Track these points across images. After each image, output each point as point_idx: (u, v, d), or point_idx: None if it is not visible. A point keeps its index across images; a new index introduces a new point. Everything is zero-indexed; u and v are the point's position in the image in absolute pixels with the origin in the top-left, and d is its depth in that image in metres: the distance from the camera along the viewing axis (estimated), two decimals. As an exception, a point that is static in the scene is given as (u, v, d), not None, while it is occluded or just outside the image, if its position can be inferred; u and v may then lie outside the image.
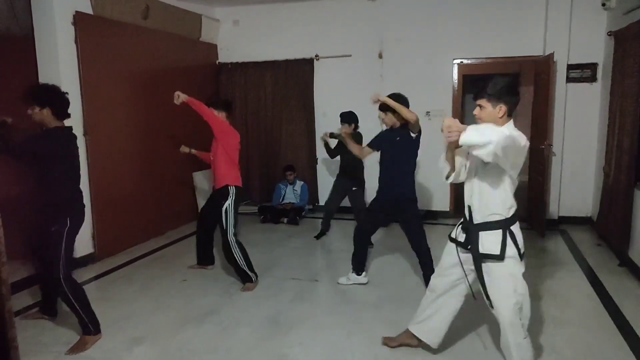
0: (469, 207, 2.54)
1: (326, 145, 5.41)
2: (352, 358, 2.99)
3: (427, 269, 3.82)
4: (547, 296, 3.89)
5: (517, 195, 2.52)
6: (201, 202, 6.63)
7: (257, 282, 4.19)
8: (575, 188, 6.06)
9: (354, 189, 5.35)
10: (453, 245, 2.68)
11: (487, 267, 2.49)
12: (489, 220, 2.46)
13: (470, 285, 2.69)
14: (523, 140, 2.29)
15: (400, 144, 3.78)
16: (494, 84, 2.34)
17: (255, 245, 4.37)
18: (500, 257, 2.42)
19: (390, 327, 3.36)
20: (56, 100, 3.09)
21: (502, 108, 2.34)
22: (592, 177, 6.00)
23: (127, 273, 4.64)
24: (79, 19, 4.57)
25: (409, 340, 3.03)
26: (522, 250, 2.47)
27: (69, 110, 3.20)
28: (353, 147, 4.08)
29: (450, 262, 2.71)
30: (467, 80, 6.48)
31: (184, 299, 3.97)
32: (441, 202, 6.51)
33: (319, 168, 6.95)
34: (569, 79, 5.88)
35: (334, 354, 3.04)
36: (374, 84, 6.51)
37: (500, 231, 2.43)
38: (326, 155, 5.68)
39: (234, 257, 4.07)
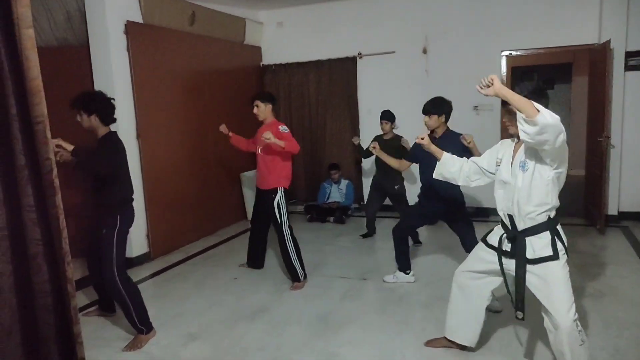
0: (510, 216, 2.50)
1: (359, 146, 5.50)
2: (403, 358, 2.96)
3: None
4: (610, 296, 3.70)
5: (574, 190, 2.43)
6: (249, 202, 6.75)
7: (305, 281, 4.22)
8: (637, 181, 5.73)
9: (396, 187, 5.30)
10: (489, 250, 2.65)
11: (540, 272, 2.43)
12: (535, 224, 2.43)
13: (511, 293, 2.63)
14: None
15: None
16: (521, 88, 2.39)
17: (304, 244, 4.40)
18: (555, 257, 2.39)
19: (441, 326, 3.28)
20: (102, 106, 3.17)
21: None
22: (655, 170, 5.66)
23: (181, 271, 4.78)
24: (130, 27, 4.75)
25: (451, 344, 2.99)
26: (566, 250, 2.47)
27: (115, 115, 3.29)
28: (390, 161, 3.97)
29: (485, 267, 2.69)
30: (517, 72, 6.27)
31: (235, 296, 4.05)
32: (492, 199, 6.30)
33: (364, 166, 6.91)
34: (627, 67, 5.57)
35: (384, 354, 3.01)
36: (419, 80, 6.42)
37: (548, 232, 2.42)
38: (372, 154, 5.63)
39: (287, 251, 4.12)
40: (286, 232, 4.12)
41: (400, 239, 4.07)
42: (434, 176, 2.98)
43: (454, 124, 3.85)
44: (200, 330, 3.44)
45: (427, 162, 3.79)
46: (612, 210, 5.74)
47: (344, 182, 6.72)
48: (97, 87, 4.64)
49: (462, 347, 2.95)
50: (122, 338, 3.32)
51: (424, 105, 3.76)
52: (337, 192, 6.70)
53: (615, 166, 5.66)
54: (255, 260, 4.68)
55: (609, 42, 5.21)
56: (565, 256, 2.44)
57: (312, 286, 4.18)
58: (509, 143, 2.60)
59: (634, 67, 5.57)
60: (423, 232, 5.51)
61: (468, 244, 3.79)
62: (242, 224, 6.52)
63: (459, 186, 3.75)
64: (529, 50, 5.99)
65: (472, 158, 2.85)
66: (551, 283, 2.41)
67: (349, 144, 6.91)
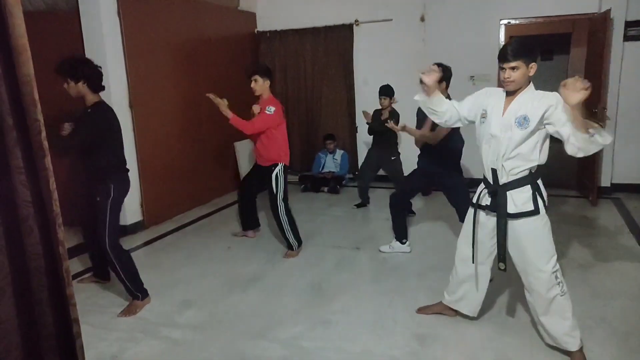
0: (494, 170, 2.51)
1: (374, 121, 5.32)
2: (395, 325, 3.01)
3: None
4: (599, 267, 3.76)
5: (568, 162, 2.44)
6: (244, 171, 6.73)
7: (299, 250, 4.25)
8: (631, 153, 5.75)
9: (392, 158, 5.29)
10: (478, 212, 2.65)
11: (519, 226, 2.46)
12: (517, 178, 2.45)
13: (475, 247, 2.70)
14: None
15: None
16: (522, 44, 2.34)
17: (297, 214, 4.42)
18: (536, 212, 2.42)
19: (434, 295, 3.34)
20: (90, 72, 3.08)
21: (533, 66, 2.35)
22: (650, 142, 5.67)
23: (175, 240, 4.79)
24: (120, -9, 4.62)
25: (445, 312, 3.03)
26: (546, 204, 2.48)
27: (104, 83, 3.24)
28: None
29: (480, 231, 2.68)
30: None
31: (229, 265, 4.07)
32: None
33: (359, 137, 6.88)
34: (626, 37, 5.51)
35: (377, 321, 3.06)
36: (416, 49, 6.33)
37: (529, 186, 2.44)
38: (367, 125, 5.59)
39: (281, 223, 4.14)
40: (280, 204, 4.11)
41: (396, 207, 4.07)
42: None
43: (453, 92, 3.78)
44: (194, 297, 3.47)
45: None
46: (605, 182, 5.78)
47: (339, 153, 6.70)
48: (87, 53, 4.53)
49: (454, 313, 3.00)
50: (117, 304, 3.35)
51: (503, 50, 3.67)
52: (332, 162, 6.69)
53: (610, 138, 5.66)
54: (251, 222, 4.70)
55: (609, 11, 5.13)
56: (544, 210, 2.45)
57: (305, 256, 4.22)
58: (497, 93, 2.55)
59: (633, 37, 5.51)
60: (417, 203, 5.53)
61: (462, 214, 3.80)
62: (236, 194, 6.50)
63: (458, 150, 3.74)
64: (528, 19, 5.90)
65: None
66: (530, 237, 2.45)
67: (345, 115, 6.86)
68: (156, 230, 5.03)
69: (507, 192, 2.46)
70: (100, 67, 3.18)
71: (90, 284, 3.72)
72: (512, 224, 2.48)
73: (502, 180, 2.47)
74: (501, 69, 2.40)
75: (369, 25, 6.52)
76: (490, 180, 2.55)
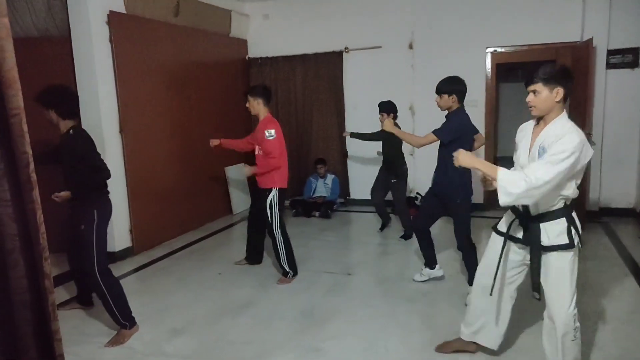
0: (532, 206, 2.35)
1: (353, 136, 5.51)
2: (387, 352, 2.97)
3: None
4: (590, 291, 3.76)
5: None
6: (234, 196, 6.71)
7: (293, 279, 4.21)
8: (617, 178, 5.83)
9: (392, 181, 5.29)
10: (499, 238, 2.54)
11: (552, 260, 2.34)
12: (550, 210, 2.33)
13: (494, 280, 2.56)
14: (580, 145, 2.17)
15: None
16: (545, 67, 2.28)
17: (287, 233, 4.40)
18: (570, 246, 2.29)
19: (425, 320, 3.33)
20: (58, 100, 3.12)
21: (559, 91, 2.24)
22: (635, 166, 5.76)
23: (165, 266, 4.74)
24: (112, 18, 4.67)
25: (466, 347, 2.87)
26: (580, 239, 2.36)
27: (78, 108, 3.32)
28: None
29: (503, 262, 2.54)
30: (501, 69, 6.31)
31: (220, 291, 4.03)
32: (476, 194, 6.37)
33: (350, 161, 6.92)
34: (609, 65, 5.65)
35: (368, 348, 3.03)
36: (405, 75, 6.44)
37: (564, 219, 2.32)
38: (357, 149, 5.66)
39: (278, 251, 4.13)
40: (277, 232, 4.09)
41: (420, 232, 3.92)
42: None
43: (440, 120, 3.81)
44: (184, 325, 3.42)
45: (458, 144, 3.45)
46: (593, 206, 5.84)
47: (330, 177, 6.72)
48: (78, 79, 4.56)
49: (475, 348, 2.85)
50: (104, 333, 3.28)
51: (437, 84, 3.66)
52: (323, 187, 6.70)
53: (596, 163, 5.75)
54: (253, 255, 4.61)
55: (591, 39, 5.27)
56: (577, 250, 2.34)
57: (298, 281, 4.18)
58: (528, 126, 2.46)
59: (615, 65, 5.65)
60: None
61: (460, 244, 3.71)
62: (227, 218, 6.49)
63: (469, 175, 3.57)
64: (513, 47, 6.04)
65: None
66: (561, 273, 2.33)
67: (335, 139, 6.90)
68: (146, 256, 4.97)
69: (541, 224, 2.35)
70: (74, 93, 3.24)
71: (76, 311, 3.65)
72: (546, 257, 2.36)
73: (533, 211, 2.36)
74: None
75: (358, 52, 6.63)
76: (521, 210, 2.43)
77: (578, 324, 2.38)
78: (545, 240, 2.34)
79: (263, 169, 4.04)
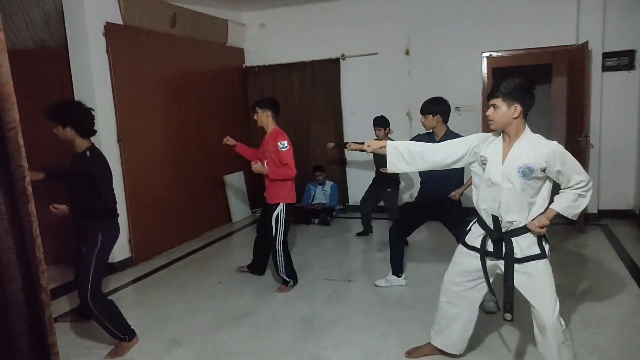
0: (495, 217, 2.42)
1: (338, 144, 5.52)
2: (388, 358, 2.96)
3: None
4: (589, 294, 3.76)
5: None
6: (233, 205, 6.71)
7: (293, 287, 4.20)
8: (616, 180, 5.84)
9: (388, 190, 5.31)
10: (471, 252, 2.58)
11: (527, 270, 2.40)
12: (521, 226, 2.38)
13: (495, 296, 2.66)
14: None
15: None
16: (507, 82, 2.32)
17: (288, 246, 4.40)
18: (542, 255, 2.38)
19: (425, 327, 3.31)
20: (78, 117, 2.99)
21: (517, 108, 2.30)
22: (633, 168, 5.77)
23: (164, 276, 4.72)
24: (109, 29, 4.69)
25: (436, 352, 2.91)
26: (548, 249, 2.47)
27: (96, 127, 3.14)
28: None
29: (467, 268, 2.62)
30: (498, 73, 6.33)
31: (219, 301, 4.01)
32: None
33: (348, 168, 6.92)
34: (604, 68, 5.68)
35: (369, 355, 3.01)
36: (402, 81, 6.46)
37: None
38: (355, 155, 5.65)
39: (277, 263, 4.11)
40: (278, 247, 4.06)
41: (394, 241, 4.01)
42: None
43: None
44: (183, 335, 3.40)
45: None
46: (592, 208, 5.84)
47: (329, 184, 6.72)
48: (76, 90, 4.57)
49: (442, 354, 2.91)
50: (104, 346, 3.25)
51: (422, 105, 3.73)
52: (321, 194, 6.70)
53: (594, 165, 5.76)
54: (256, 266, 4.55)
55: (586, 43, 5.30)
56: (549, 258, 2.43)
57: (297, 289, 4.17)
58: (493, 140, 2.46)
59: (611, 68, 5.68)
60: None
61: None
62: (226, 227, 6.48)
63: (454, 182, 3.72)
64: (509, 51, 6.07)
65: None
66: (538, 281, 2.38)
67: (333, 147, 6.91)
68: (145, 267, 4.96)
69: (513, 239, 2.40)
70: (92, 110, 3.08)
71: (77, 323, 3.62)
72: (521, 268, 2.40)
73: (505, 227, 2.41)
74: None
75: (355, 59, 6.65)
76: (491, 226, 2.46)
77: (564, 325, 2.42)
78: (518, 253, 2.40)
79: (275, 175, 3.98)
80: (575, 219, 2.40)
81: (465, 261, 2.64)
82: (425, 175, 3.81)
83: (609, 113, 5.74)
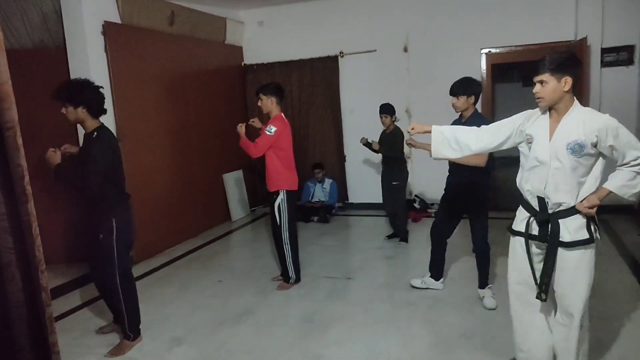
0: (540, 198, 2.28)
1: (367, 146, 5.29)
2: (389, 357, 2.96)
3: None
4: (590, 290, 3.75)
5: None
6: (232, 203, 6.70)
7: (293, 284, 4.20)
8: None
9: (394, 183, 5.26)
10: (517, 239, 2.42)
11: (571, 257, 2.26)
12: (570, 207, 2.23)
13: (539, 287, 2.39)
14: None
15: None
16: (553, 57, 2.17)
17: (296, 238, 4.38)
18: (591, 240, 2.23)
19: (426, 325, 3.32)
20: (90, 97, 2.91)
21: (567, 80, 2.15)
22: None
23: (165, 274, 4.72)
24: (108, 28, 4.67)
25: None
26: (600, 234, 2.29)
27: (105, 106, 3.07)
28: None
29: (523, 262, 2.41)
30: (496, 69, 6.33)
31: (220, 299, 4.01)
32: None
33: (347, 165, 6.92)
34: (603, 64, 5.67)
35: (370, 353, 3.01)
36: (401, 78, 6.46)
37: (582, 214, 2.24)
38: (355, 153, 5.63)
39: (284, 253, 4.09)
40: (284, 235, 4.05)
41: (436, 246, 3.81)
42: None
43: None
44: (185, 334, 3.40)
45: None
46: (592, 204, 5.83)
47: (328, 181, 6.72)
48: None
49: None
50: (105, 345, 3.26)
51: (451, 86, 3.54)
52: (321, 191, 6.69)
53: (594, 161, 5.75)
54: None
55: (585, 38, 5.29)
56: (598, 240, 2.27)
57: (298, 286, 4.17)
58: (539, 116, 2.32)
59: (610, 63, 5.67)
60: (413, 228, 5.50)
61: (478, 239, 3.62)
62: (226, 226, 6.48)
63: (487, 174, 3.48)
64: (508, 47, 6.06)
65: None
66: (580, 269, 2.26)
67: (333, 143, 6.91)
68: (146, 265, 4.96)
69: (560, 220, 2.25)
70: (102, 88, 3.02)
71: (76, 322, 3.62)
72: (562, 255, 2.27)
73: (552, 209, 2.27)
74: (533, 84, 2.25)
75: (353, 56, 6.64)
76: (537, 208, 2.32)
77: (587, 323, 2.36)
78: (566, 237, 2.24)
79: (242, 143, 3.97)
80: (633, 199, 2.22)
81: (518, 253, 2.45)
82: (454, 165, 3.54)
83: (608, 108, 5.67)
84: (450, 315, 3.46)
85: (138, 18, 5.10)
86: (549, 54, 2.21)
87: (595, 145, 2.14)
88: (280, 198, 4.03)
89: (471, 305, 3.59)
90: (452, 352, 2.95)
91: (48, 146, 3.02)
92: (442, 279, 3.92)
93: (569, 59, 2.18)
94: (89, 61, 4.53)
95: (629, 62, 5.63)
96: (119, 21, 4.86)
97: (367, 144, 5.27)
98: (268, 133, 3.92)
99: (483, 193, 3.54)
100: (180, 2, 5.71)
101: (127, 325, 3.15)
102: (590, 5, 5.60)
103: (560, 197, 2.23)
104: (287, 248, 4.08)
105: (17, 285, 1.18)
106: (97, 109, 2.98)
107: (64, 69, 4.58)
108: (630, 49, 5.59)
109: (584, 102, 5.29)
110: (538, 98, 2.24)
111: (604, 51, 5.64)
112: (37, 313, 1.20)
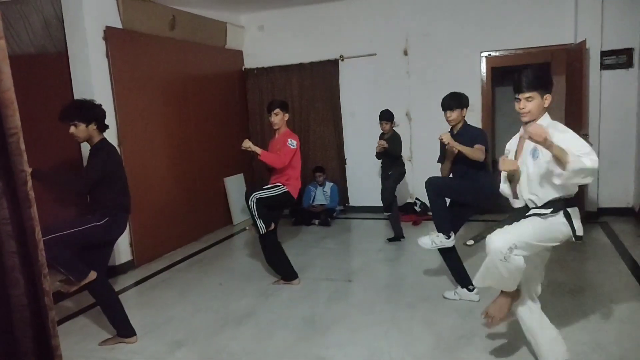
0: (528, 201, 2.43)
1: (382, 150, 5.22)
2: (390, 358, 2.97)
3: None
4: (590, 291, 3.77)
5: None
6: (234, 207, 6.72)
7: (291, 282, 4.27)
8: (615, 178, 5.85)
9: (389, 172, 5.30)
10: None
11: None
12: (548, 201, 2.36)
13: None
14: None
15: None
16: (537, 74, 2.32)
17: (289, 247, 4.42)
18: (556, 211, 2.34)
19: (427, 326, 3.33)
20: (100, 113, 3.18)
21: (547, 97, 2.34)
22: (632, 166, 5.78)
23: (166, 278, 4.74)
24: (109, 33, 4.71)
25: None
26: (577, 233, 2.38)
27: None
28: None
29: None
30: (496, 73, 6.35)
31: (221, 301, 4.03)
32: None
33: (348, 169, 6.93)
34: (603, 66, 5.68)
35: (371, 355, 3.02)
36: (401, 82, 6.48)
37: (561, 212, 2.37)
38: (356, 156, 5.65)
39: (251, 209, 4.04)
40: (252, 198, 4.01)
41: (445, 254, 3.75)
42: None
43: (436, 126, 3.86)
44: (186, 337, 3.42)
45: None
46: (592, 207, 5.85)
47: (329, 185, 6.73)
48: (76, 94, 4.58)
49: None
50: (107, 348, 3.28)
51: (444, 101, 3.62)
52: (322, 195, 6.71)
53: (594, 163, 5.75)
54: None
55: (584, 41, 5.31)
56: (574, 238, 2.38)
57: (298, 289, 4.19)
58: (513, 139, 2.56)
59: (609, 66, 5.68)
60: (408, 230, 5.52)
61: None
62: (227, 229, 6.49)
63: (490, 174, 3.60)
64: (507, 50, 6.08)
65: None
66: (525, 221, 2.37)
67: (333, 147, 6.93)
68: (147, 269, 4.98)
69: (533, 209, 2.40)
70: (101, 105, 3.25)
71: (78, 326, 3.63)
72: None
73: (529, 204, 2.44)
74: (516, 99, 2.37)
75: (354, 60, 6.67)
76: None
77: (508, 255, 2.27)
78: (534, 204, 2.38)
79: (264, 157, 4.00)
80: (569, 170, 2.10)
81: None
82: (457, 167, 3.62)
83: (608, 111, 5.75)
84: (451, 317, 3.47)
85: (139, 23, 5.13)
86: (526, 70, 2.33)
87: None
88: (276, 189, 4.09)
89: (472, 306, 3.59)
90: (452, 354, 2.96)
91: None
92: (475, 289, 3.67)
93: (549, 77, 2.35)
94: (91, 66, 4.56)
95: (629, 64, 5.64)
96: (120, 26, 4.90)
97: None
98: (291, 146, 4.09)
99: (485, 192, 3.55)
100: (181, 7, 5.75)
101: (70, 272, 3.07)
102: (589, 8, 5.61)
103: (537, 194, 2.39)
104: (252, 206, 3.97)
105: (20, 289, 1.20)
106: (104, 125, 3.23)
107: (66, 74, 4.62)
108: (629, 51, 5.60)
109: (584, 104, 5.33)
110: (524, 113, 2.35)
111: (604, 54, 5.65)
112: (40, 316, 1.22)
